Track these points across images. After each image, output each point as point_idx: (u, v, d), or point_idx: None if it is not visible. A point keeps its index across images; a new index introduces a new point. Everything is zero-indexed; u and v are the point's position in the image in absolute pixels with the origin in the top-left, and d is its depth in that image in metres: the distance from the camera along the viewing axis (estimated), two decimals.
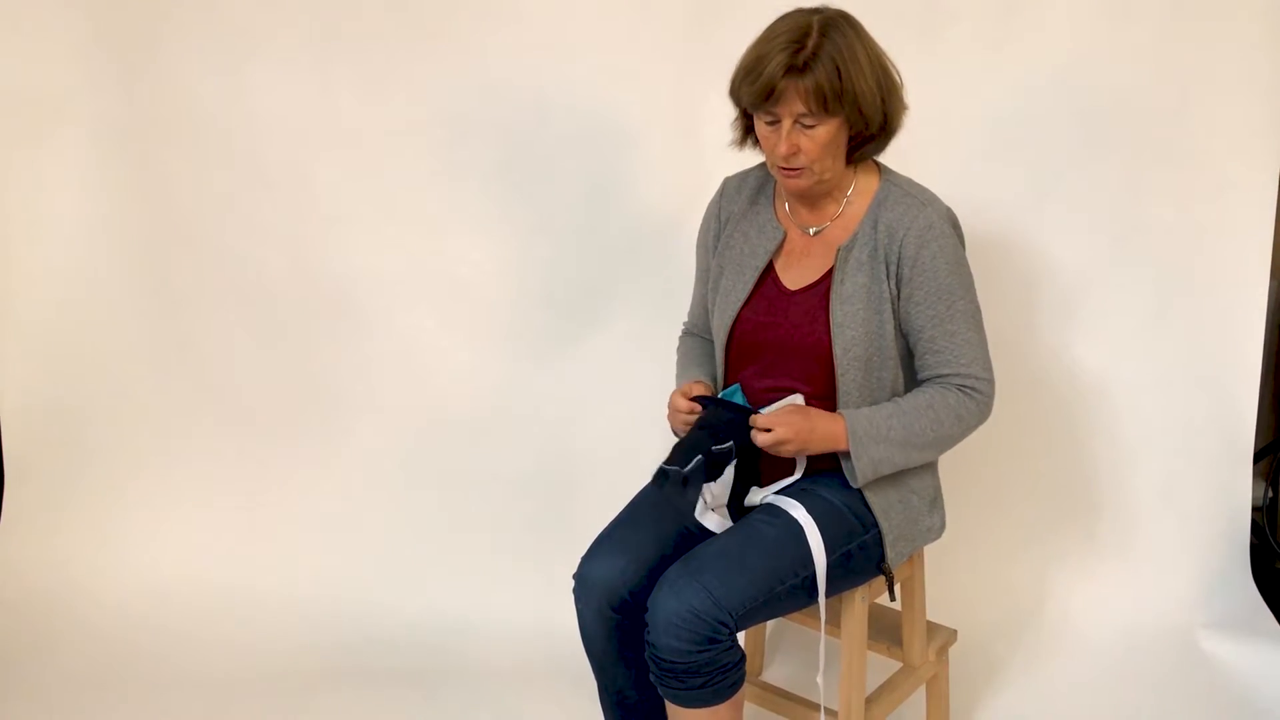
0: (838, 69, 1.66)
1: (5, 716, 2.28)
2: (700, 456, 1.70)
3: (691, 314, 2.08)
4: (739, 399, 1.82)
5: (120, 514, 2.74)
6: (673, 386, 1.99)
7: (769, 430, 1.72)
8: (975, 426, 1.80)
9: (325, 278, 2.63)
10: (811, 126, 1.70)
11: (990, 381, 1.79)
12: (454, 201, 2.57)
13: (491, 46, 2.48)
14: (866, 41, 1.71)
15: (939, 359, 1.77)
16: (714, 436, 1.73)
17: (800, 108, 1.68)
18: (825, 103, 1.67)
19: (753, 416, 1.74)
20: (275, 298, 2.65)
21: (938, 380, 1.78)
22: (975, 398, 1.77)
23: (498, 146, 2.53)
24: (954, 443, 1.80)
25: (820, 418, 1.75)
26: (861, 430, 1.74)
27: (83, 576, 2.68)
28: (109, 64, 2.55)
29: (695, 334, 2.08)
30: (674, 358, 2.08)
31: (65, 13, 2.53)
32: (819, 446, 1.75)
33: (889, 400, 1.80)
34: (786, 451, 1.74)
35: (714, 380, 1.94)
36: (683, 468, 1.69)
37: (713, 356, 1.98)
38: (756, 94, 1.69)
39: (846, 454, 1.76)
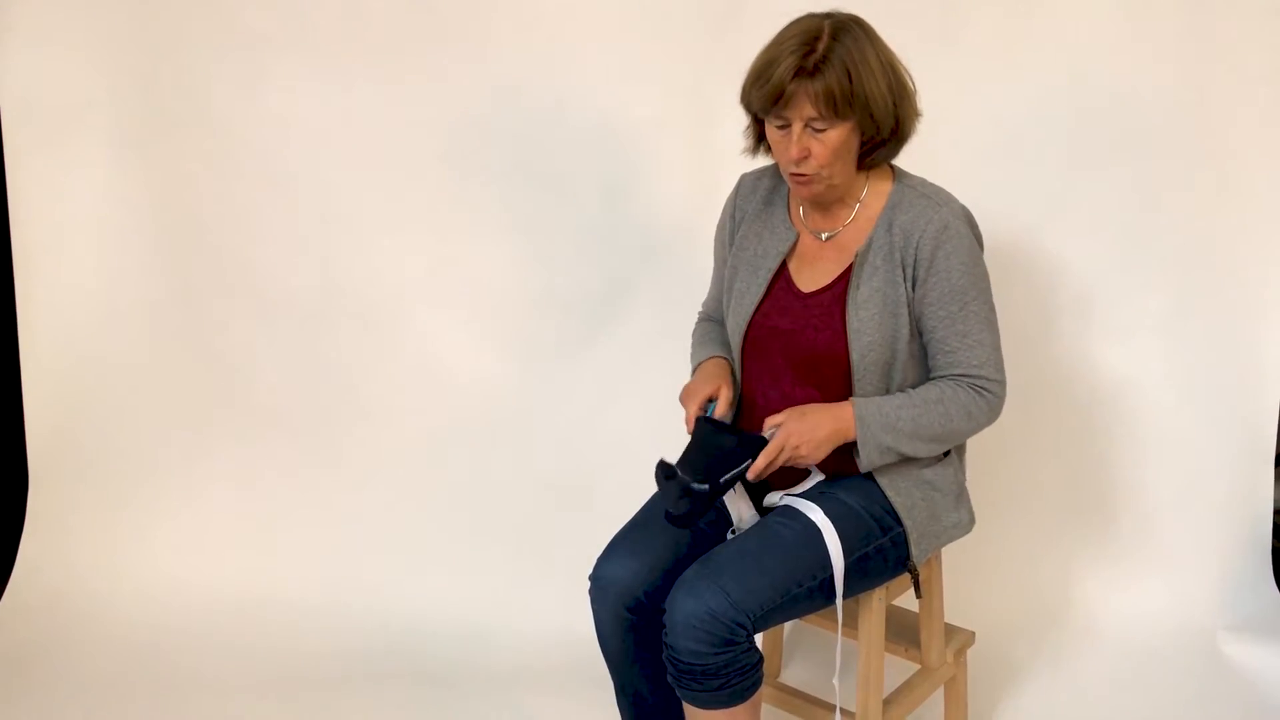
0: (848, 72, 1.65)
1: (25, 718, 2.30)
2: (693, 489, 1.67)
3: (708, 300, 2.09)
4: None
5: (140, 519, 2.75)
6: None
7: (775, 454, 1.70)
8: (984, 425, 1.79)
9: (344, 282, 2.64)
10: (822, 130, 1.69)
11: (1001, 383, 1.78)
12: (472, 204, 2.58)
13: (509, 50, 2.49)
14: (878, 45, 1.70)
15: (950, 359, 1.77)
16: (714, 464, 1.69)
17: (810, 111, 1.67)
18: (835, 106, 1.66)
19: (752, 466, 1.70)
20: (294, 303, 2.66)
21: (950, 379, 1.77)
22: (986, 397, 1.77)
23: (515, 150, 2.54)
24: (960, 439, 1.80)
25: (816, 411, 1.73)
26: (869, 417, 1.73)
27: (104, 580, 2.69)
28: (128, 71, 2.57)
29: (712, 319, 2.08)
30: (690, 358, 2.08)
31: (84, 20, 2.55)
32: (829, 437, 1.72)
33: (901, 391, 1.79)
34: (801, 459, 1.72)
35: (730, 358, 1.93)
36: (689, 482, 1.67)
37: (728, 342, 1.97)
38: (766, 98, 1.68)
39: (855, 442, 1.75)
